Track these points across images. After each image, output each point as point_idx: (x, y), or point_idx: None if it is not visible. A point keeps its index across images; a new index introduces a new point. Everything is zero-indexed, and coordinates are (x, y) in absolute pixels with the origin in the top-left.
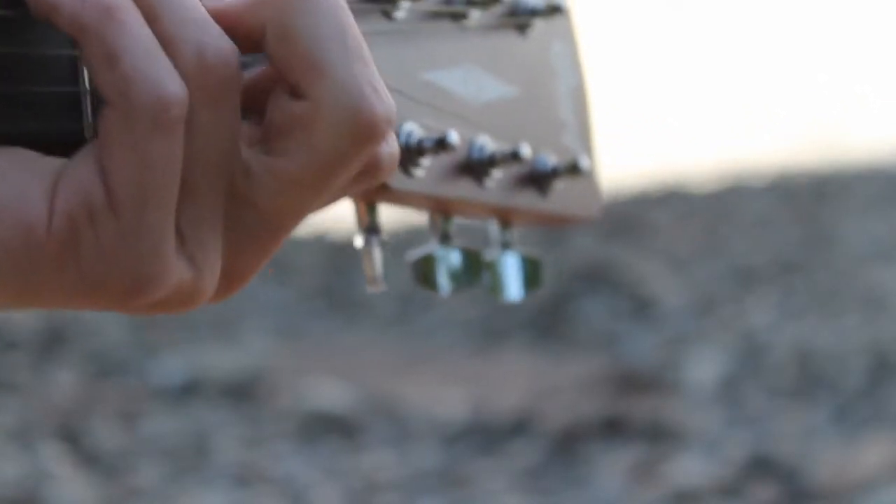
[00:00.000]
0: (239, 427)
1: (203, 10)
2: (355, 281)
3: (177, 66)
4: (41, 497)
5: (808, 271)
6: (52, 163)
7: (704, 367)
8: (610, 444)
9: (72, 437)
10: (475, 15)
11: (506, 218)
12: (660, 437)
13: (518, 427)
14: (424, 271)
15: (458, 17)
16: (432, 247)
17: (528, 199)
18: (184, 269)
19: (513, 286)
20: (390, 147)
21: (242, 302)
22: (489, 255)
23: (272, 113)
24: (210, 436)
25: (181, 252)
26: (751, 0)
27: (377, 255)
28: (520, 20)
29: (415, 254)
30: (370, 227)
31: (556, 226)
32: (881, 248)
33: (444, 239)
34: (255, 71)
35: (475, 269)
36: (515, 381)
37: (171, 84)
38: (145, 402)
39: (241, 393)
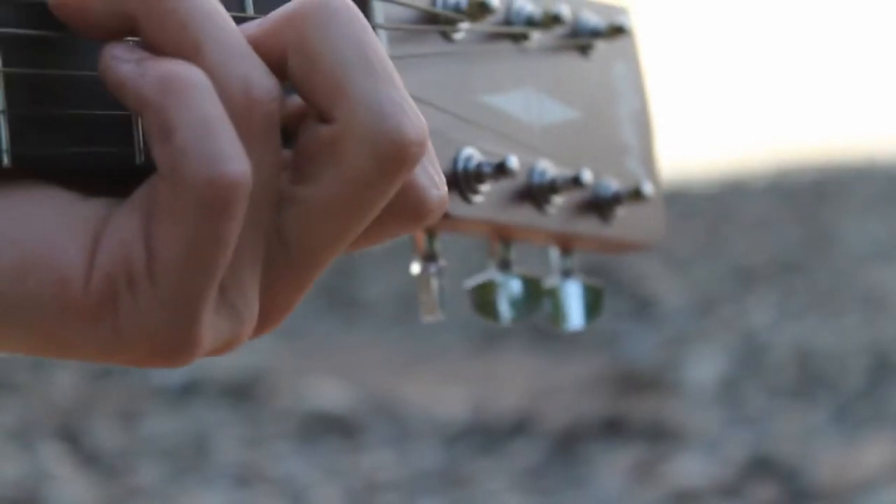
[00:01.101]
0: (239, 427)
1: (245, 42)
2: (355, 281)
3: (222, 100)
4: (41, 497)
5: (808, 271)
6: (93, 208)
7: (704, 367)
8: (610, 444)
9: (72, 437)
10: (536, 36)
11: (567, 245)
12: (660, 437)
13: (518, 427)
14: (483, 299)
15: (518, 38)
16: (491, 273)
17: (589, 226)
18: (223, 324)
19: (574, 314)
20: (439, 189)
21: None
22: (549, 282)
23: (301, 139)
24: (210, 436)
25: (222, 306)
26: (752, 0)
27: (434, 283)
28: (581, 41)
29: (473, 280)
30: (428, 255)
31: (618, 253)
32: (881, 248)
33: (504, 266)
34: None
35: (535, 296)
36: (515, 381)
37: (231, 163)
38: (145, 402)
39: (241, 393)
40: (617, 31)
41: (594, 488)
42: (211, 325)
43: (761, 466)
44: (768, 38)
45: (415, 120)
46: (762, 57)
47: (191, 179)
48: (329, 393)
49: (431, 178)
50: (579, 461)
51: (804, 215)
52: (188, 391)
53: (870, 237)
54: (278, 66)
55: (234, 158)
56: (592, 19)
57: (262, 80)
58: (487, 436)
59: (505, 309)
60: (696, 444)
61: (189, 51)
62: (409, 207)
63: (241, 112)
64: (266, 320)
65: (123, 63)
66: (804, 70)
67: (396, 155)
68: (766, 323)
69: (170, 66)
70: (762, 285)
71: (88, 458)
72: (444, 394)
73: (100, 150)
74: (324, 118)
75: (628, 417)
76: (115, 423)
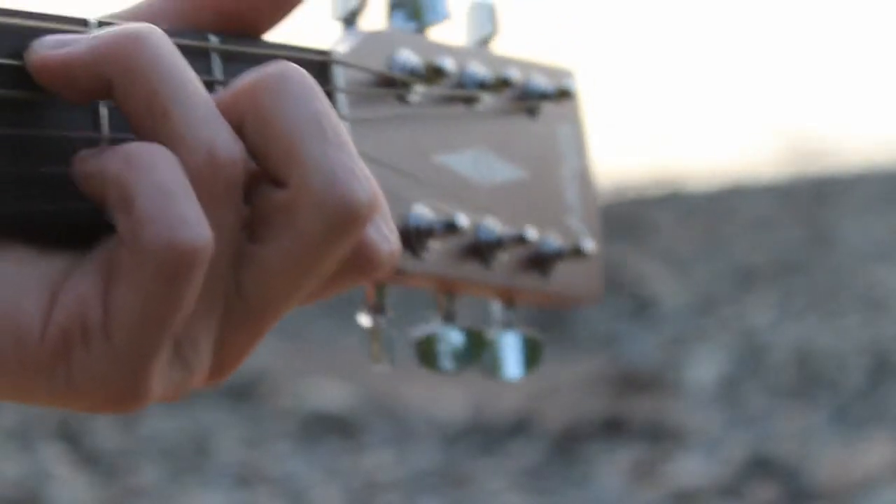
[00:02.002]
0: (239, 427)
1: (214, 107)
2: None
3: (186, 166)
4: (41, 497)
5: (808, 271)
6: (53, 264)
7: (704, 367)
8: (610, 444)
9: (72, 437)
10: (486, 99)
11: (509, 298)
12: (660, 437)
13: (518, 427)
14: (426, 351)
15: (470, 101)
16: (435, 326)
17: (531, 281)
18: (174, 376)
19: (511, 365)
20: (390, 245)
21: None
22: (490, 333)
23: (257, 201)
24: (210, 436)
25: (174, 361)
26: (751, 1)
27: (383, 335)
28: (529, 104)
29: (418, 333)
30: (377, 307)
31: (557, 307)
32: (881, 248)
33: (448, 318)
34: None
35: (477, 348)
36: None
37: (191, 230)
38: None
39: (242, 393)
40: (564, 94)
41: (594, 488)
42: (161, 377)
43: (761, 466)
44: (769, 38)
45: (365, 184)
46: (762, 57)
47: (150, 246)
48: (329, 393)
49: (383, 234)
50: (579, 461)
51: (804, 215)
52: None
53: (870, 237)
54: (237, 132)
55: (194, 225)
56: (541, 83)
57: (226, 145)
58: (487, 436)
59: (446, 361)
60: (696, 444)
61: (158, 115)
62: (361, 263)
63: (205, 176)
64: (220, 369)
65: (89, 158)
66: (804, 70)
67: (347, 218)
68: (766, 323)
69: (131, 145)
70: (762, 285)
71: (88, 458)
72: (444, 394)
73: (71, 206)
74: (278, 182)
75: (628, 417)
76: (115, 423)
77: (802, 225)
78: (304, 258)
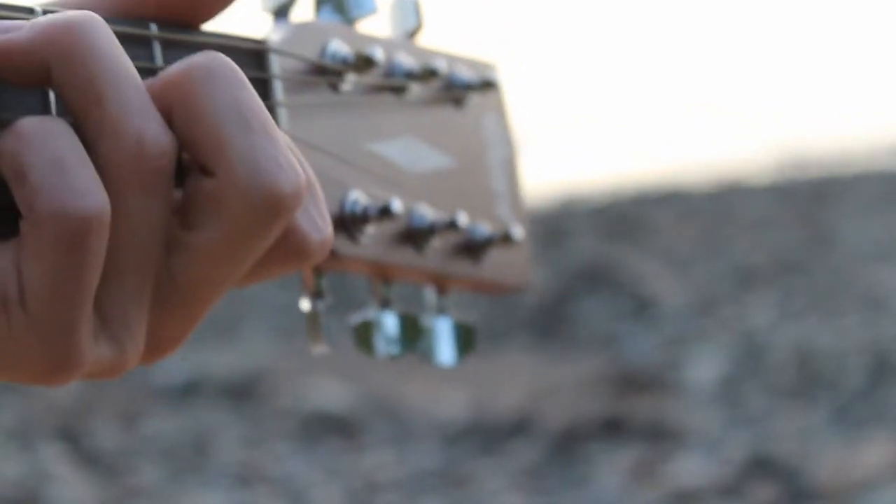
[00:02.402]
0: (239, 427)
1: (147, 97)
2: (355, 281)
3: (115, 152)
4: (41, 497)
5: (808, 271)
6: None
7: (704, 367)
8: (610, 444)
9: (72, 437)
10: (415, 88)
11: (442, 284)
12: (660, 437)
13: (518, 427)
14: (363, 336)
15: (398, 90)
16: (371, 312)
17: (463, 267)
18: (104, 350)
19: (445, 351)
20: (320, 233)
21: (243, 302)
22: (425, 320)
23: (187, 189)
24: (210, 436)
25: (102, 333)
26: (752, 0)
27: (322, 319)
28: (456, 94)
29: (354, 319)
30: (316, 292)
31: (489, 293)
32: (881, 248)
33: (384, 304)
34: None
35: (412, 333)
36: (515, 381)
37: (84, 198)
38: (145, 402)
39: (242, 393)
40: (487, 85)
41: (594, 488)
42: (89, 351)
43: (761, 466)
44: (769, 38)
45: (290, 173)
46: (762, 56)
47: (45, 215)
48: (329, 393)
49: (314, 221)
50: (579, 461)
51: (804, 215)
52: (188, 391)
53: (870, 237)
54: (167, 120)
55: (87, 192)
56: (466, 74)
57: (155, 136)
58: (487, 436)
59: (382, 346)
60: (696, 444)
61: (92, 102)
62: (291, 250)
63: (134, 165)
64: (157, 349)
65: None
66: (805, 70)
67: (272, 207)
68: (766, 323)
69: (24, 119)
70: (762, 285)
71: (88, 458)
72: (444, 394)
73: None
74: (206, 171)
75: (628, 417)
76: (115, 423)
77: (802, 225)
78: (231, 246)
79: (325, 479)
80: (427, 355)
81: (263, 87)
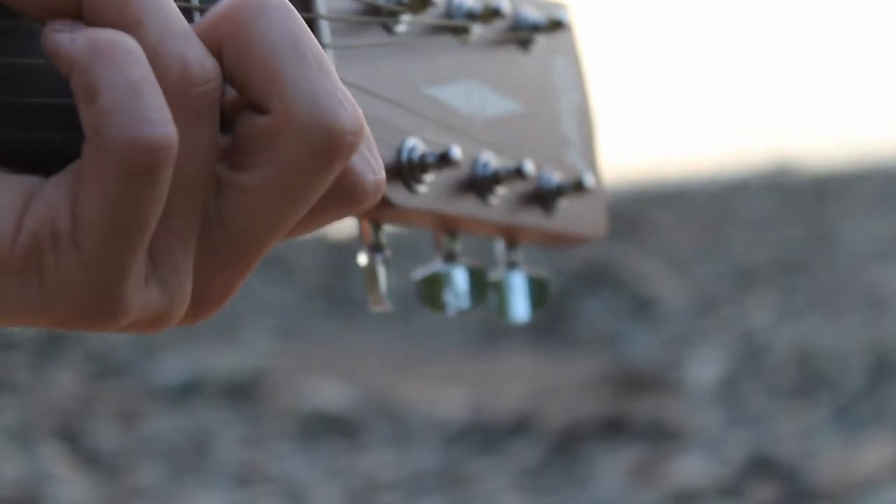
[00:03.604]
0: (239, 427)
1: (186, 24)
2: (355, 281)
3: (158, 78)
4: (41, 497)
5: (808, 271)
6: (28, 179)
7: (704, 367)
8: (610, 444)
9: (72, 437)
10: (477, 30)
11: (511, 236)
12: (660, 437)
13: (518, 427)
14: (430, 291)
15: (459, 31)
16: (437, 266)
17: (533, 218)
18: (153, 296)
19: (519, 306)
20: (375, 174)
21: (243, 302)
22: (495, 274)
23: (239, 128)
24: (210, 436)
25: (151, 278)
26: (753, 0)
27: (381, 273)
28: (522, 36)
29: (419, 273)
30: (374, 246)
31: (562, 245)
32: (881, 248)
33: (449, 257)
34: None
35: (481, 288)
36: (515, 381)
37: (155, 127)
38: (145, 402)
39: (241, 393)
40: (556, 25)
41: (594, 488)
42: (138, 294)
43: (761, 466)
44: (769, 38)
45: (350, 109)
46: (762, 56)
47: (113, 141)
48: (329, 393)
49: (368, 162)
50: (579, 461)
51: (804, 215)
52: (188, 391)
53: (870, 237)
54: (216, 58)
55: (158, 123)
56: (532, 14)
57: (200, 60)
58: (487, 436)
59: (451, 300)
60: (697, 444)
61: (130, 28)
62: (345, 192)
63: (177, 90)
64: (203, 304)
65: (60, 32)
66: (805, 70)
67: (332, 144)
68: (766, 323)
69: (100, 31)
70: (762, 285)
71: (88, 458)
72: (444, 394)
73: (45, 137)
74: (260, 109)
75: (628, 417)
76: (115, 423)
77: (802, 225)
78: (289, 185)
79: (325, 479)
80: (500, 310)
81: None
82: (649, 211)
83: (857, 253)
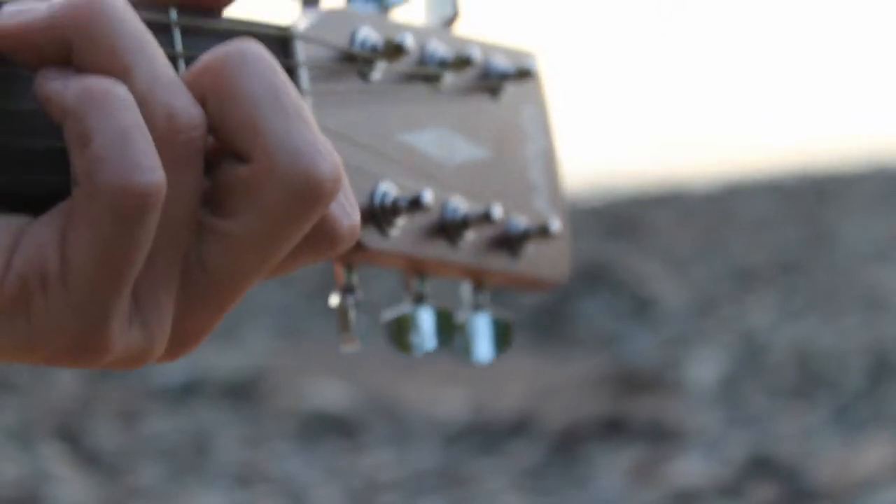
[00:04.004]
0: (239, 427)
1: (173, 72)
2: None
3: (147, 125)
4: (41, 497)
5: (808, 271)
6: (16, 220)
7: (704, 367)
8: (610, 444)
9: (72, 437)
10: (448, 78)
11: (478, 279)
12: (660, 437)
13: (518, 427)
14: (398, 332)
15: (431, 79)
16: (406, 307)
17: (500, 262)
18: (135, 336)
19: (483, 348)
20: (350, 219)
21: (243, 302)
22: (462, 315)
23: (220, 175)
24: (210, 436)
25: (135, 318)
26: (752, 0)
27: (353, 314)
28: (491, 84)
29: (388, 314)
30: (346, 287)
31: (526, 289)
32: (881, 248)
33: (418, 299)
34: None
35: (447, 330)
36: (515, 381)
37: (145, 173)
38: (145, 402)
39: (241, 393)
40: (525, 74)
41: (594, 488)
42: (121, 334)
43: (761, 466)
44: (768, 38)
45: (329, 158)
46: (762, 57)
47: (105, 186)
48: (329, 393)
49: (344, 208)
50: (579, 461)
51: (804, 215)
52: (188, 391)
53: (870, 237)
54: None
55: (148, 169)
56: (502, 63)
57: (186, 108)
58: (487, 436)
59: (418, 342)
60: (696, 444)
61: (119, 75)
62: (322, 237)
63: (163, 137)
64: (181, 343)
65: (52, 80)
66: (804, 70)
67: (312, 193)
68: (766, 323)
69: (93, 78)
70: (762, 285)
71: (88, 458)
72: (444, 394)
73: (35, 179)
74: (241, 158)
75: (628, 417)
76: (115, 423)
77: (802, 225)
78: (269, 232)
79: (325, 479)
80: (464, 352)
81: (288, 75)
82: (649, 211)
83: (857, 253)
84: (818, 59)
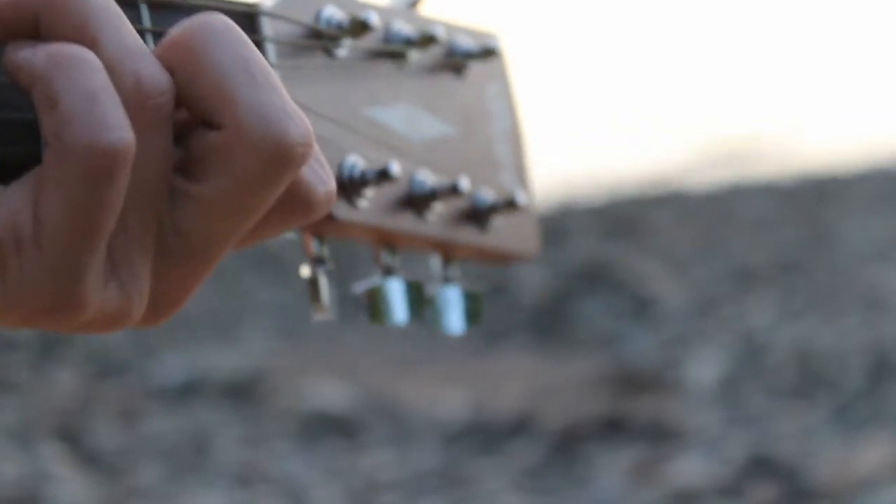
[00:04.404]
0: (239, 427)
1: (140, 41)
2: (355, 281)
3: (116, 92)
4: (41, 497)
5: (808, 271)
6: None
7: (704, 367)
8: (610, 444)
9: (72, 437)
10: (414, 56)
11: (447, 252)
12: (660, 436)
13: (518, 427)
14: (370, 304)
15: (397, 56)
16: (376, 280)
17: (468, 234)
18: (111, 295)
19: (453, 320)
20: (326, 185)
21: (242, 302)
22: (432, 289)
23: (191, 143)
24: (210, 436)
25: (110, 278)
26: (751, 0)
27: (324, 285)
28: (456, 62)
29: (359, 286)
30: (317, 259)
31: (495, 263)
32: (881, 248)
33: (388, 271)
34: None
35: (419, 301)
36: (515, 381)
37: (113, 132)
38: (145, 402)
39: (241, 393)
40: (489, 53)
41: (594, 488)
42: (97, 293)
43: (761, 466)
44: (768, 38)
45: (298, 122)
46: (762, 57)
47: (73, 146)
48: (329, 393)
49: (318, 174)
50: (579, 461)
51: (804, 215)
52: (188, 391)
53: (870, 237)
54: None
55: (116, 127)
56: (466, 42)
57: (153, 74)
58: (487, 436)
59: (390, 313)
60: (697, 444)
61: (87, 46)
62: (297, 203)
63: (132, 103)
64: (160, 307)
65: (21, 49)
66: (804, 70)
67: (283, 156)
68: (766, 323)
69: (60, 44)
70: (762, 285)
71: (88, 458)
72: (444, 394)
73: (7, 150)
74: (211, 126)
75: (628, 417)
76: (115, 423)
77: (802, 225)
78: (241, 196)
79: (325, 479)
80: (435, 324)
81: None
82: (649, 211)
83: (857, 253)
84: (818, 59)
